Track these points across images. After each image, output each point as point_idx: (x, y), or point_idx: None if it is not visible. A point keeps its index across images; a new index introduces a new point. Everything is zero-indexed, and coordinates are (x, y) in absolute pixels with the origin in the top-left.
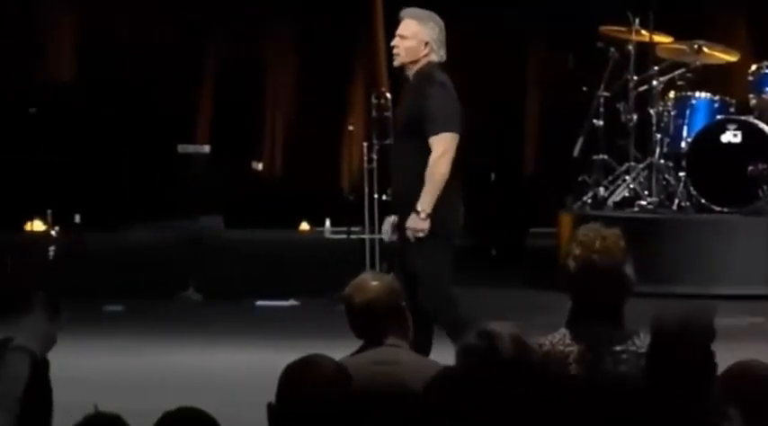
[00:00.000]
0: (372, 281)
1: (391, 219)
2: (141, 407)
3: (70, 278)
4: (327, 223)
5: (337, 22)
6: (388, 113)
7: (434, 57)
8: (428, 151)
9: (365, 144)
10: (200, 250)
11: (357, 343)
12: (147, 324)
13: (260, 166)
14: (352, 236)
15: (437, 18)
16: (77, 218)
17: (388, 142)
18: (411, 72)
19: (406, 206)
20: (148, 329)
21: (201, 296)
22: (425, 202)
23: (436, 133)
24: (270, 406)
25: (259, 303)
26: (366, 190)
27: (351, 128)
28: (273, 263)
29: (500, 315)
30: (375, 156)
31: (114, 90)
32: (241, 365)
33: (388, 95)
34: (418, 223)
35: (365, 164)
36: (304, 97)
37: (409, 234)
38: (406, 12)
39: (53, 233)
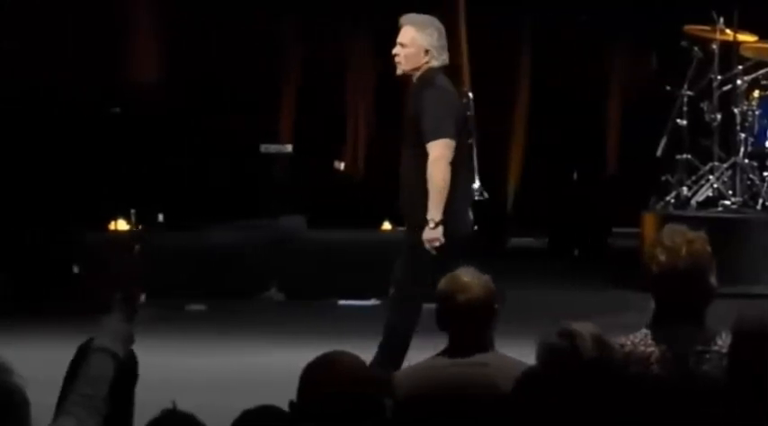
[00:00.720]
0: (473, 281)
1: None
2: (222, 405)
3: (153, 277)
4: None
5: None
6: (470, 112)
7: (435, 63)
8: (426, 158)
9: None
10: (283, 250)
11: (438, 342)
12: (230, 324)
13: (342, 166)
14: None
15: (437, 22)
16: (160, 218)
17: (470, 141)
18: (414, 79)
19: (407, 214)
20: (231, 328)
21: (284, 295)
22: (432, 211)
23: (429, 140)
24: (291, 404)
25: (341, 302)
26: None
27: None
28: (355, 263)
29: (582, 315)
30: None
31: (197, 90)
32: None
33: (471, 95)
34: (430, 233)
35: None
36: (386, 96)
37: (427, 247)
38: (404, 18)
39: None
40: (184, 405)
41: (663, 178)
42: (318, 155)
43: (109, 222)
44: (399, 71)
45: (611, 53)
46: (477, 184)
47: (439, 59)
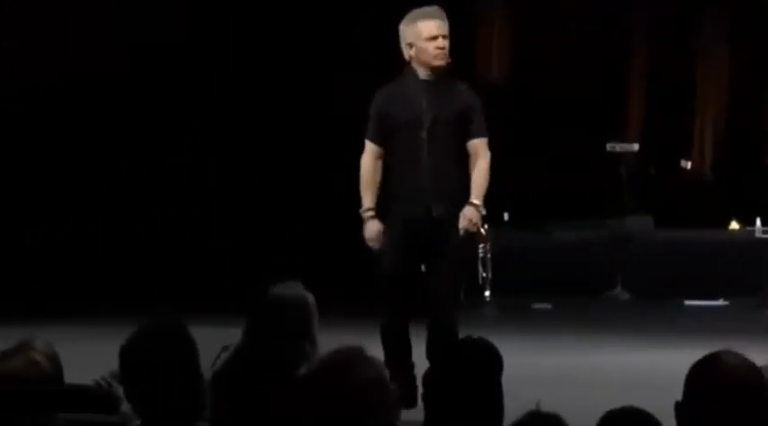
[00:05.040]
0: None
1: (378, 227)
2: (583, 405)
3: (500, 276)
4: (758, 222)
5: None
6: None
7: None
8: (465, 150)
9: None
10: (629, 249)
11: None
12: (575, 323)
13: (689, 165)
14: None
15: None
16: (506, 217)
17: None
18: (439, 73)
19: (441, 200)
20: (576, 327)
21: (630, 294)
22: (482, 197)
23: (484, 136)
24: (677, 405)
25: (688, 302)
26: None
27: None
28: (703, 263)
29: None
30: None
31: (538, 89)
32: (671, 364)
33: None
34: (477, 216)
35: None
36: (736, 93)
37: (467, 225)
38: (441, 11)
39: (482, 231)
40: (531, 404)
41: None
42: (665, 153)
43: None
44: (444, 64)
45: None
46: None
47: None
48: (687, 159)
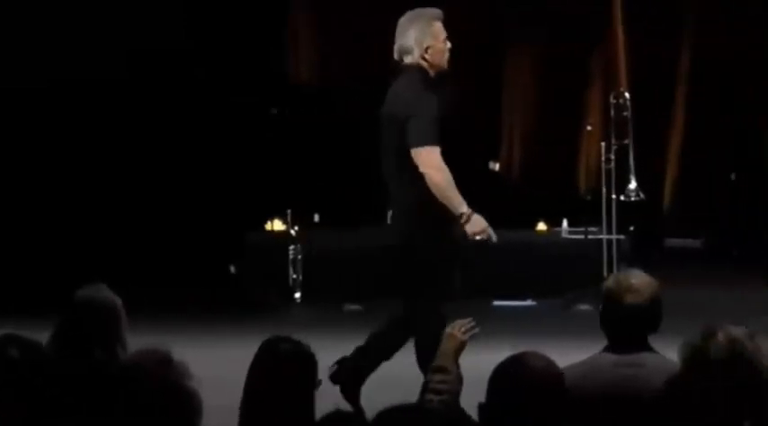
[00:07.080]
0: (642, 282)
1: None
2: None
3: (311, 277)
4: (564, 223)
5: (576, 21)
6: (627, 113)
7: None
8: None
9: (603, 144)
10: None
11: (594, 344)
12: None
13: (497, 166)
14: (590, 237)
15: None
16: (317, 218)
17: (626, 142)
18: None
19: None
20: None
21: None
22: None
23: None
24: (481, 406)
25: (496, 303)
26: (603, 190)
27: (589, 128)
28: (510, 263)
29: (740, 317)
30: (613, 156)
31: (344, 90)
32: (479, 365)
33: (627, 95)
34: None
35: (603, 164)
36: (542, 97)
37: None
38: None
39: (292, 232)
40: (336, 407)
41: None
42: (473, 155)
43: (265, 222)
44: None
45: None
46: (633, 185)
47: None
48: (495, 160)
